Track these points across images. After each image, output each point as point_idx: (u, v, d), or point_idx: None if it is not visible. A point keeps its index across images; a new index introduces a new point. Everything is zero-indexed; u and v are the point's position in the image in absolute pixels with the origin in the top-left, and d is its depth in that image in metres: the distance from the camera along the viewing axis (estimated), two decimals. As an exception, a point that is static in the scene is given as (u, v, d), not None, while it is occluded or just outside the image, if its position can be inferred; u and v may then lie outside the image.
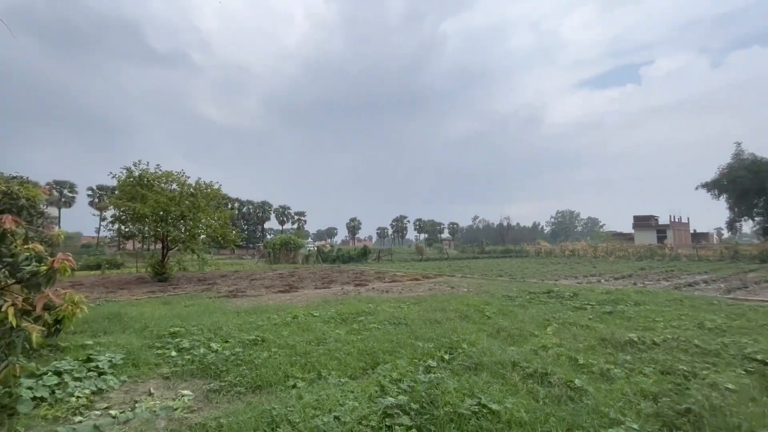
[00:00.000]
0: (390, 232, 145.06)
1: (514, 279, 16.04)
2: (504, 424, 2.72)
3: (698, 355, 4.49)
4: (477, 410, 2.86)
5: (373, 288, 12.97)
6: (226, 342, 5.22)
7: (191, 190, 18.53)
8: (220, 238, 18.92)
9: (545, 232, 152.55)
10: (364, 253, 34.51)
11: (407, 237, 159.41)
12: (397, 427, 2.66)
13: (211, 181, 19.22)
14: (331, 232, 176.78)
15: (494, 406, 2.89)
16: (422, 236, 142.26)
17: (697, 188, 41.35)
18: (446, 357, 4.30)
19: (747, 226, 39.98)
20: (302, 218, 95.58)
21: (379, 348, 4.72)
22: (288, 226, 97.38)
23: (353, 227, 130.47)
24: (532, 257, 43.65)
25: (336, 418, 2.82)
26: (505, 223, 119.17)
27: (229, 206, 39.94)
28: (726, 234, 45.03)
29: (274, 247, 33.62)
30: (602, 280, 15.60)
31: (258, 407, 3.13)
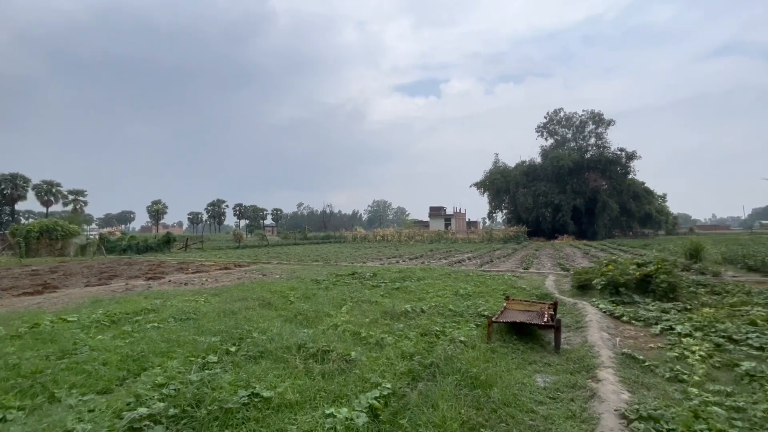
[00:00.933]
0: (205, 217, 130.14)
1: (328, 263, 16.80)
2: (273, 410, 2.71)
3: (450, 317, 5.64)
4: (248, 401, 2.75)
5: (169, 281, 11.26)
6: None
7: None
8: None
9: (363, 219, 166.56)
10: (167, 242, 29.73)
11: (226, 223, 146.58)
12: (145, 441, 2.28)
13: None
14: (125, 217, 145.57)
15: (266, 393, 2.84)
16: (243, 223, 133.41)
17: (470, 186, 52.84)
18: (232, 349, 4.04)
19: (500, 216, 53.98)
20: (80, 198, 74.70)
21: (152, 350, 4.05)
22: (58, 207, 74.65)
23: (157, 212, 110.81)
24: (350, 242, 46.95)
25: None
26: (327, 211, 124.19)
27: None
28: (488, 222, 60.01)
29: (28, 235, 25.09)
30: (400, 261, 18.08)
31: None
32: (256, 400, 2.78)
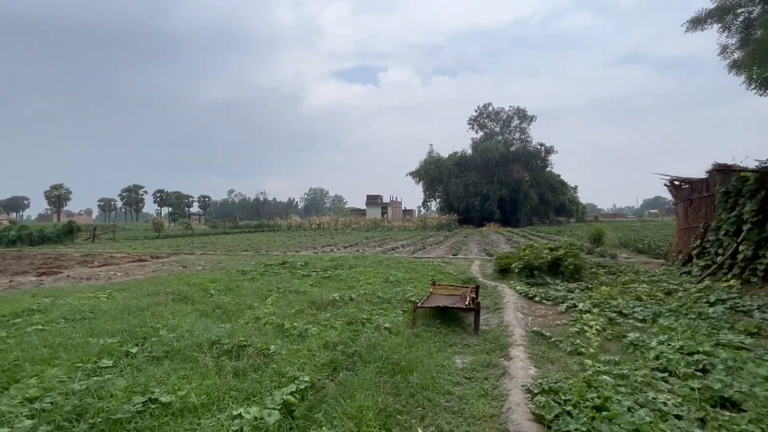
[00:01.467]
0: (119, 205, 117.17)
1: (259, 253, 16.06)
2: (172, 416, 2.44)
3: (378, 304, 5.65)
4: (143, 408, 2.44)
5: (68, 276, 9.89)
6: None
7: None
8: None
9: (299, 207, 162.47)
10: (68, 231, 26.16)
11: (145, 211, 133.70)
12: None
13: None
14: (17, 204, 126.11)
15: (166, 398, 2.55)
16: (166, 210, 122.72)
17: (406, 175, 53.95)
18: (133, 351, 3.60)
19: (434, 205, 56.06)
20: (-48, 181, 62.62)
21: (29, 358, 3.45)
22: None
23: (58, 197, 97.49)
24: (284, 231, 45.47)
25: None
26: (261, 198, 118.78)
27: None
28: (423, 210, 61.97)
29: None
30: (335, 249, 17.89)
31: None
32: (153, 406, 2.49)
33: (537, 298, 6.03)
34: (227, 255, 15.43)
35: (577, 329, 4.39)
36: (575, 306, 5.47)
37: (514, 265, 7.99)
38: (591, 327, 4.41)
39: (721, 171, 7.67)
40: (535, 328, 4.54)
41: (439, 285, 6.26)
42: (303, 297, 6.11)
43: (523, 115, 51.91)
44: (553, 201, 50.40)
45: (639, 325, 4.55)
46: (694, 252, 8.28)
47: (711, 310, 4.86)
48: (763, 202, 6.67)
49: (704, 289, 6.28)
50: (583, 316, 4.90)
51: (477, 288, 6.13)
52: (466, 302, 5.04)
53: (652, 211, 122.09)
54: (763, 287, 6.32)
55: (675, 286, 6.52)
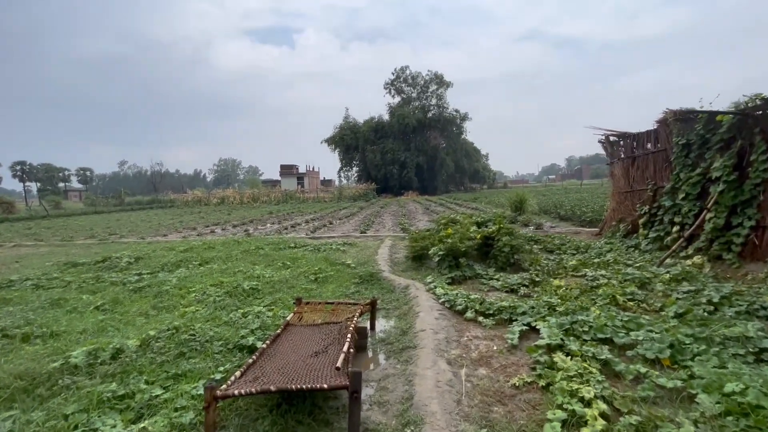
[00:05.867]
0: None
1: (105, 241, 11.82)
2: None
3: (173, 361, 2.78)
4: None
5: None
6: None
7: None
8: None
9: (208, 179, 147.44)
10: None
11: (2, 187, 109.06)
12: None
13: None
14: None
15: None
16: (34, 186, 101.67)
17: (321, 143, 49.97)
18: None
19: (353, 174, 53.01)
20: None
21: None
22: None
23: None
24: (178, 207, 39.08)
25: None
26: (158, 170, 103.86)
27: None
28: (342, 180, 58.37)
29: None
30: (219, 230, 14.26)
31: None
32: None
33: (469, 313, 3.69)
34: (60, 246, 10.98)
35: (562, 413, 2.06)
36: (533, 329, 3.25)
37: (432, 250, 5.66)
38: (583, 399, 2.13)
39: (680, 118, 6.07)
40: (478, 412, 2.14)
41: (309, 303, 3.58)
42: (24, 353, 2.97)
43: (440, 81, 50.56)
44: (468, 168, 50.92)
45: (660, 380, 2.38)
46: (641, 221, 6.80)
47: (743, 326, 2.94)
48: (739, 155, 5.12)
49: (682, 274, 4.58)
50: (554, 359, 2.64)
51: (373, 304, 3.60)
52: (343, 350, 2.46)
53: (550, 177, 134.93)
54: (740, 267, 4.84)
55: (640, 274, 4.73)
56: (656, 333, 2.93)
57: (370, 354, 3.25)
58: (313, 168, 71.70)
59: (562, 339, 2.90)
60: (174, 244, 9.04)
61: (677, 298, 3.82)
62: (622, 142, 8.02)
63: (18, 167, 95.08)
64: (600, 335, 2.98)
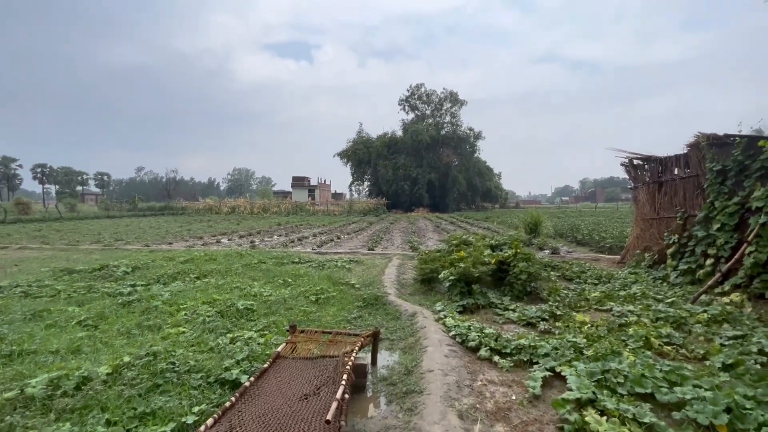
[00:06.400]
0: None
1: (110, 247, 11.68)
2: None
3: (129, 402, 2.43)
4: None
5: None
6: None
7: None
8: None
9: (221, 188, 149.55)
10: None
11: (24, 188, 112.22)
12: None
13: None
14: None
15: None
16: (52, 189, 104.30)
17: (334, 156, 50.21)
18: None
19: (364, 188, 52.89)
20: None
21: None
22: None
23: None
24: (189, 215, 39.36)
25: None
26: (172, 177, 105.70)
27: None
28: (353, 194, 58.23)
29: None
30: (226, 240, 14.06)
31: None
32: None
33: (483, 351, 3.28)
34: (63, 250, 10.87)
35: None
36: (558, 375, 2.83)
37: (443, 274, 5.26)
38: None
39: (715, 143, 5.64)
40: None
41: (304, 332, 3.22)
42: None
43: (454, 99, 50.66)
44: (481, 187, 50.42)
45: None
46: (670, 251, 6.31)
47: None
48: (784, 184, 4.67)
49: (722, 314, 4.10)
50: (586, 418, 2.22)
51: (375, 335, 3.23)
52: (336, 396, 2.10)
53: (564, 198, 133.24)
54: (787, 307, 4.33)
55: (674, 312, 4.26)
56: (706, 390, 2.49)
57: (369, 393, 2.86)
58: (325, 181, 72.04)
59: (593, 392, 2.47)
60: (176, 253, 8.80)
61: (722, 344, 3.35)
62: (647, 166, 7.58)
63: (38, 169, 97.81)
64: (638, 389, 2.54)
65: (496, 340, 3.42)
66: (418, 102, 52.00)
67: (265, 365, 2.61)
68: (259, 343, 3.32)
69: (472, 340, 3.46)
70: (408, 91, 51.93)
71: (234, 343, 3.31)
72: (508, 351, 3.25)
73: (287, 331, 3.25)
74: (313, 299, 4.94)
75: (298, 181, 67.28)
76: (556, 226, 14.72)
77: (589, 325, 3.92)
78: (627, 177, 8.25)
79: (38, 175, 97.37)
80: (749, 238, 4.83)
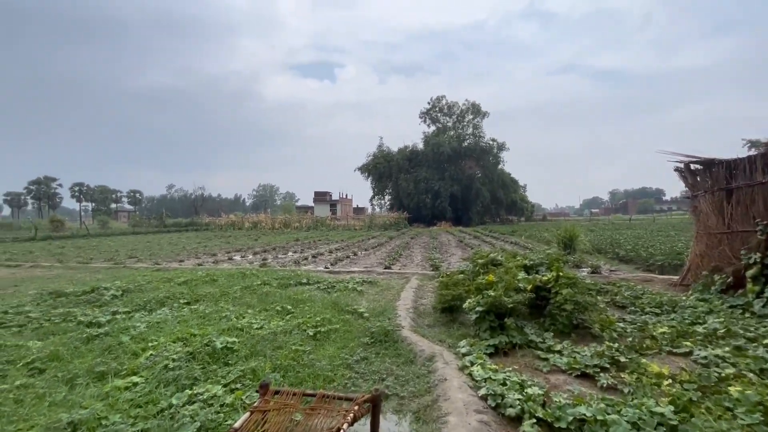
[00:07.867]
0: (27, 199, 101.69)
1: (119, 265, 11.33)
2: None
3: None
4: None
5: None
6: None
7: None
8: None
9: (247, 204, 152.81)
10: None
11: (65, 206, 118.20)
12: None
13: None
14: None
15: None
16: (89, 206, 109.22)
17: (355, 170, 50.00)
18: None
19: (385, 202, 52.21)
20: None
21: None
22: None
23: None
24: (213, 231, 39.72)
25: None
26: (200, 193, 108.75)
27: None
28: (374, 208, 57.59)
29: None
30: (239, 257, 13.53)
31: None
32: None
33: (528, 425, 2.34)
34: (69, 269, 10.59)
35: None
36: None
37: (468, 303, 4.33)
38: None
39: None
40: None
41: (278, 394, 2.37)
42: None
43: (477, 111, 49.70)
44: (505, 199, 48.75)
45: None
46: (749, 273, 5.12)
47: None
48: None
49: None
50: None
51: (376, 401, 2.36)
52: None
53: (594, 210, 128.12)
54: None
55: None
56: None
57: (364, 491, 1.98)
58: (346, 195, 72.02)
59: None
60: (176, 273, 8.22)
61: None
62: (708, 171, 6.43)
63: (76, 188, 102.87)
64: None
65: (544, 406, 2.47)
66: (439, 114, 51.36)
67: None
68: (223, 404, 2.50)
69: (511, 406, 2.51)
70: (429, 103, 51.46)
71: (192, 404, 2.51)
72: (564, 426, 2.29)
73: (257, 392, 2.42)
74: (311, 333, 4.11)
75: (320, 196, 67.50)
76: (593, 241, 13.39)
77: (670, 381, 2.90)
78: (683, 184, 7.09)
79: (76, 193, 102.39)
80: None
